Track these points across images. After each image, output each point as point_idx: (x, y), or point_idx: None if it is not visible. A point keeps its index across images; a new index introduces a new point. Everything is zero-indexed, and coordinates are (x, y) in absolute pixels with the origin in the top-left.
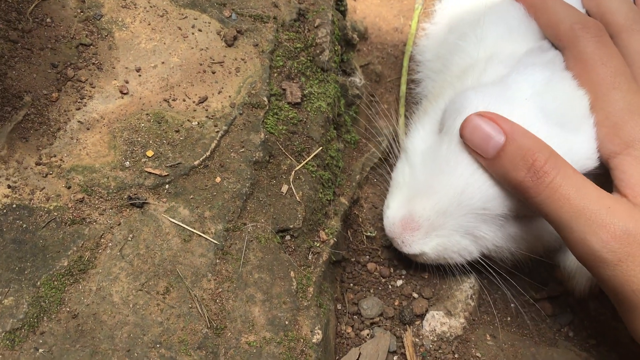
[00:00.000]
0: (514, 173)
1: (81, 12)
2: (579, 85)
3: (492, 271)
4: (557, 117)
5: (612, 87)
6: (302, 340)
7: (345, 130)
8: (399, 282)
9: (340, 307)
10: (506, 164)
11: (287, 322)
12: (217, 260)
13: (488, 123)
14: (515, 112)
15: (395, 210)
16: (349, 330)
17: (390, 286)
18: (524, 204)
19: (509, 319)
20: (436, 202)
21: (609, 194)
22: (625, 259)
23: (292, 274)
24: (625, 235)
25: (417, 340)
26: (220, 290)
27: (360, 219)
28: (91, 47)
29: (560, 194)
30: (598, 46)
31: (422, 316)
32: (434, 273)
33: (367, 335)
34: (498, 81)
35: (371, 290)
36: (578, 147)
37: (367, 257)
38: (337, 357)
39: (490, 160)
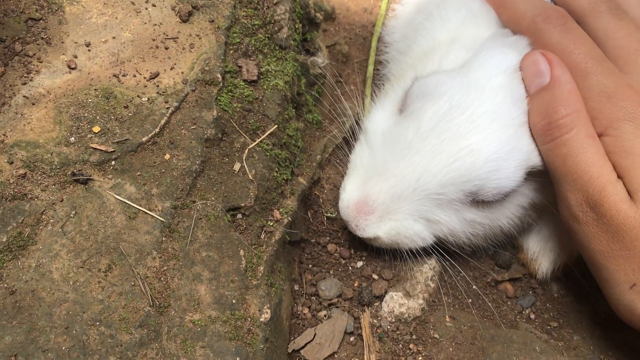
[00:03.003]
0: (534, 116)
1: None
2: None
3: (453, 253)
4: (526, 101)
5: (585, 74)
6: (249, 319)
7: (306, 110)
8: (359, 264)
9: (297, 288)
10: (536, 105)
11: (234, 301)
12: (164, 238)
13: (545, 63)
14: (484, 95)
15: (351, 193)
16: (306, 311)
17: (350, 267)
18: (480, 191)
19: (469, 300)
20: (392, 185)
21: (603, 165)
22: (591, 222)
23: (241, 252)
24: (594, 204)
25: (375, 321)
26: (166, 268)
27: (321, 200)
28: (40, 21)
29: (560, 150)
30: (563, 35)
31: (381, 297)
32: (395, 255)
33: (324, 316)
34: (467, 65)
35: (331, 272)
36: None
37: (328, 238)
38: (292, 338)
39: (529, 96)
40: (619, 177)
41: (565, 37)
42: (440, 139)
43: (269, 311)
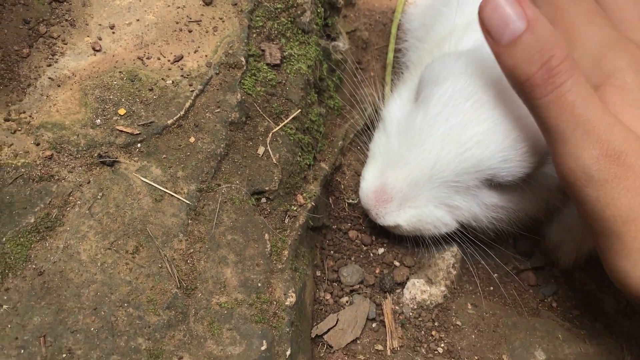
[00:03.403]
0: (525, 66)
1: None
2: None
3: (475, 241)
4: None
5: (587, 23)
6: (275, 302)
7: (328, 96)
8: (381, 250)
9: (319, 274)
10: (519, 55)
11: (259, 284)
12: (189, 221)
13: (512, 5)
14: (489, 79)
15: (370, 182)
16: (328, 297)
17: (371, 254)
18: (495, 178)
19: (491, 288)
20: (408, 173)
21: (612, 113)
22: (612, 179)
23: (266, 236)
24: (617, 155)
25: (396, 307)
26: (192, 250)
27: (343, 186)
28: (64, 3)
29: (566, 100)
30: None
31: (402, 284)
32: (417, 242)
33: (346, 302)
34: (475, 47)
35: (352, 258)
36: None
37: (349, 224)
38: (314, 323)
39: (502, 48)
40: None
41: None
42: (448, 125)
43: (294, 295)
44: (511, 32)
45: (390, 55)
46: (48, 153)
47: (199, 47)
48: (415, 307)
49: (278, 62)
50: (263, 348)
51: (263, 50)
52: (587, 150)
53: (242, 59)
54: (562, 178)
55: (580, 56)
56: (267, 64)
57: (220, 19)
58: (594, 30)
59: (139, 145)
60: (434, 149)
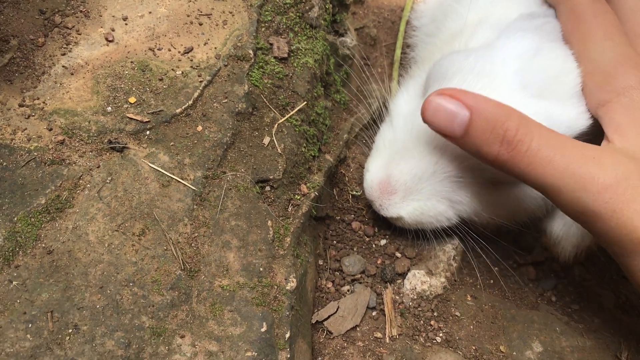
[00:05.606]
0: (486, 148)
1: None
2: (568, 46)
3: (476, 235)
4: (537, 87)
5: (604, 38)
6: (276, 287)
7: (334, 90)
8: (383, 242)
9: (322, 263)
10: (477, 140)
11: (261, 269)
12: (195, 206)
13: (449, 101)
14: (495, 79)
15: (374, 174)
16: (329, 285)
17: (373, 245)
18: (497, 176)
19: (491, 281)
20: (413, 167)
21: (589, 145)
22: (620, 207)
23: (269, 223)
24: (616, 182)
25: (397, 297)
26: (196, 235)
27: (347, 178)
28: None
29: (540, 159)
30: (592, 1)
31: (403, 275)
32: (418, 234)
33: (348, 290)
34: (486, 46)
35: (354, 249)
36: (557, 115)
37: (352, 215)
38: (315, 310)
39: (460, 139)
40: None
41: (594, 4)
42: None
43: (294, 280)
44: (460, 123)
45: (398, 52)
46: (60, 138)
47: (208, 39)
48: (415, 297)
49: (285, 55)
50: (263, 330)
51: (271, 44)
52: (584, 191)
53: (251, 51)
54: (573, 219)
55: (592, 70)
56: (275, 57)
57: (230, 12)
58: (609, 46)
59: (148, 132)
60: (439, 145)
